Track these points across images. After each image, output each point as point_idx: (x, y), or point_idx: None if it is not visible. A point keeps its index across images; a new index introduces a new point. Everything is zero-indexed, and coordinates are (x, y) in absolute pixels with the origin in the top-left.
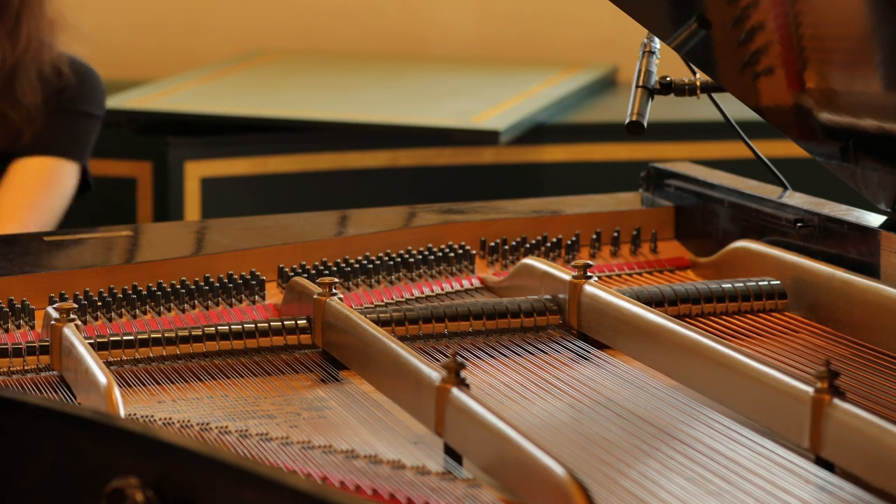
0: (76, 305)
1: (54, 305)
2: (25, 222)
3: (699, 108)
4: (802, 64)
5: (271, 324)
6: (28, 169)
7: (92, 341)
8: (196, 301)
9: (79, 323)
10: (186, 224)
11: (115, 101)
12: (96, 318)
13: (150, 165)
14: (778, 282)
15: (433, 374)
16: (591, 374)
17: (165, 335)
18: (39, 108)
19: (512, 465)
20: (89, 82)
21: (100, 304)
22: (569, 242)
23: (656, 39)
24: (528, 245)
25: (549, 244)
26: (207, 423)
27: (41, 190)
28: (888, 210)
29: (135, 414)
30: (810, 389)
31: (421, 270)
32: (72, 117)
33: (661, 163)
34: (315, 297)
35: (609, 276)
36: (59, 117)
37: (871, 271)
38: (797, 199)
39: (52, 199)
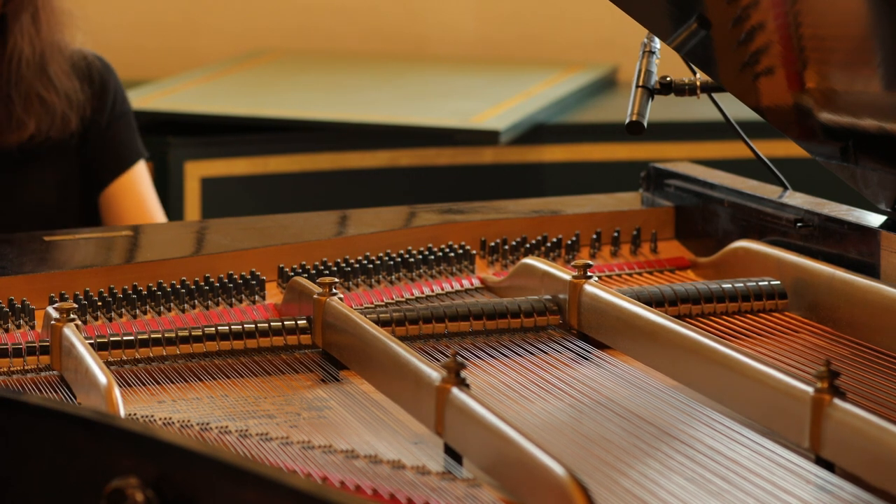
0: (76, 305)
1: (54, 305)
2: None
3: (699, 108)
4: (802, 64)
5: (271, 324)
6: (134, 182)
7: (92, 341)
8: (196, 301)
9: (79, 323)
10: (186, 224)
11: None
12: (96, 318)
13: (150, 165)
14: (778, 282)
15: (433, 374)
16: (591, 374)
17: (165, 335)
18: (78, 94)
19: (512, 465)
20: (118, 80)
21: (100, 304)
22: (569, 242)
23: (656, 39)
24: (528, 245)
25: (549, 244)
26: (207, 423)
27: (150, 193)
28: (888, 210)
29: (135, 414)
30: (810, 389)
31: (421, 270)
32: (128, 120)
33: (661, 163)
34: (315, 297)
35: (609, 276)
36: (122, 125)
37: (871, 271)
38: (797, 199)
39: (155, 195)
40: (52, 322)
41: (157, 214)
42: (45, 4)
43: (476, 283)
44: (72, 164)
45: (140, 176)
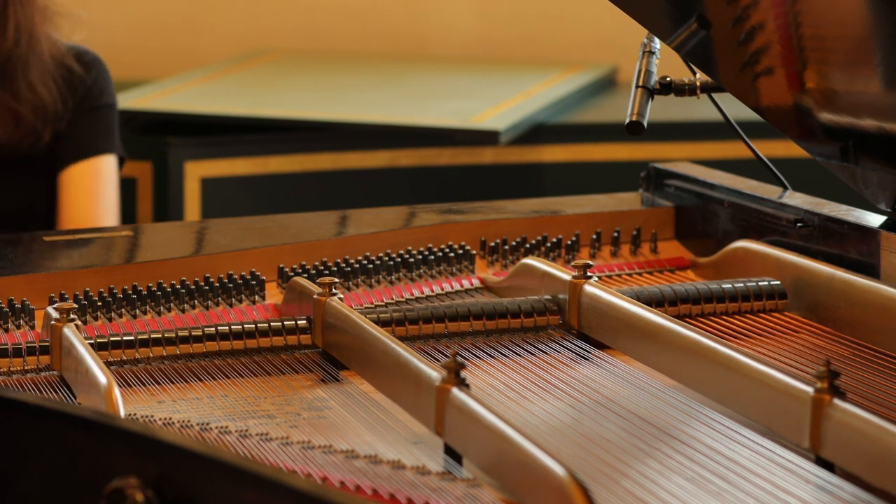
0: (76, 305)
1: (54, 305)
2: (104, 224)
3: (699, 108)
4: (802, 64)
5: (271, 324)
6: (85, 174)
7: (92, 341)
8: (196, 301)
9: (79, 323)
10: (186, 224)
11: None
12: (96, 318)
13: (150, 165)
14: (778, 282)
15: (433, 374)
16: (591, 374)
17: (165, 335)
18: (56, 106)
19: (512, 465)
20: (105, 73)
21: (100, 304)
22: (569, 242)
23: (656, 39)
24: (528, 245)
25: (549, 244)
26: (207, 423)
27: (104, 189)
28: (888, 210)
29: (135, 414)
30: (810, 389)
31: (421, 270)
32: (100, 113)
33: (661, 163)
34: (315, 297)
35: (609, 276)
36: (90, 116)
37: (871, 271)
38: (797, 199)
39: (114, 195)
40: (52, 322)
41: (106, 215)
42: (16, 8)
43: (476, 283)
44: (45, 169)
45: (99, 170)
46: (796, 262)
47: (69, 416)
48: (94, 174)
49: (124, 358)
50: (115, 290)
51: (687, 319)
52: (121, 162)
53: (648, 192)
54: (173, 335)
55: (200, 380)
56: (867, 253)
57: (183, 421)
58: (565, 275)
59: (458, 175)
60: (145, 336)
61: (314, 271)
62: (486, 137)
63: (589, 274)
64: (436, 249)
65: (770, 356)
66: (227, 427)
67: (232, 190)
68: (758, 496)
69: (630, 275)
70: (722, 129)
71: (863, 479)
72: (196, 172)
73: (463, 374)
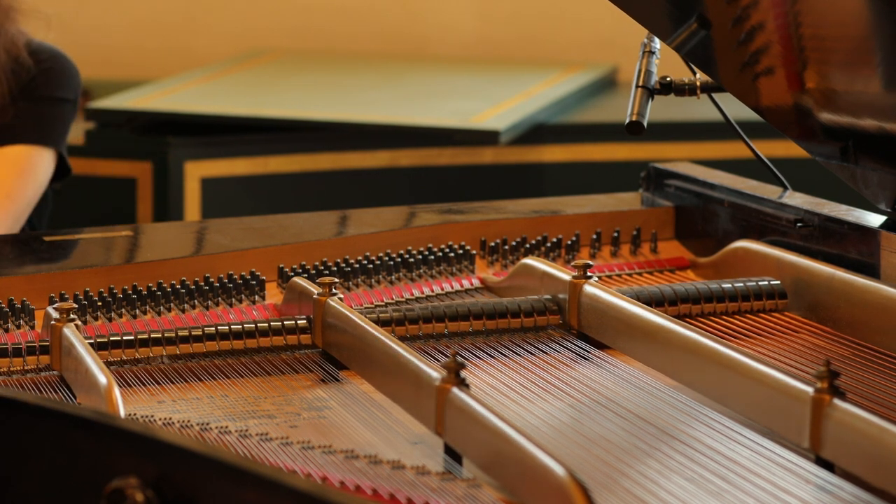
0: (76, 305)
1: (54, 305)
2: (1, 211)
3: (699, 108)
4: (802, 64)
5: (271, 324)
6: (1, 158)
7: (92, 341)
8: (196, 301)
9: (79, 323)
10: (186, 224)
11: (115, 101)
12: (96, 318)
13: (150, 165)
14: (778, 282)
15: (433, 374)
16: (591, 374)
17: (165, 335)
18: (5, 99)
19: (512, 464)
20: (58, 67)
21: (100, 304)
22: (569, 242)
23: (656, 39)
24: (528, 245)
25: (549, 244)
26: (207, 423)
27: (15, 179)
28: (888, 210)
29: (135, 414)
30: (810, 389)
31: (421, 270)
32: (42, 103)
33: (661, 163)
34: (315, 297)
35: (609, 276)
36: (30, 104)
37: (871, 271)
38: (797, 199)
39: (27, 188)
40: (52, 322)
41: (8, 202)
42: None
43: (476, 283)
44: None
45: (13, 158)
46: (796, 262)
47: (69, 416)
48: (12, 161)
49: (124, 358)
50: (115, 290)
51: (687, 319)
52: (62, 160)
53: (648, 192)
54: (173, 335)
55: (200, 380)
56: (867, 253)
57: (183, 421)
58: (565, 275)
59: (458, 175)
60: (145, 336)
61: (314, 271)
62: (486, 137)
63: (589, 274)
64: (436, 249)
65: (770, 356)
66: (227, 427)
67: (232, 190)
68: (758, 496)
69: (630, 275)
70: (722, 129)
71: (863, 479)
72: (196, 172)
73: (463, 374)
